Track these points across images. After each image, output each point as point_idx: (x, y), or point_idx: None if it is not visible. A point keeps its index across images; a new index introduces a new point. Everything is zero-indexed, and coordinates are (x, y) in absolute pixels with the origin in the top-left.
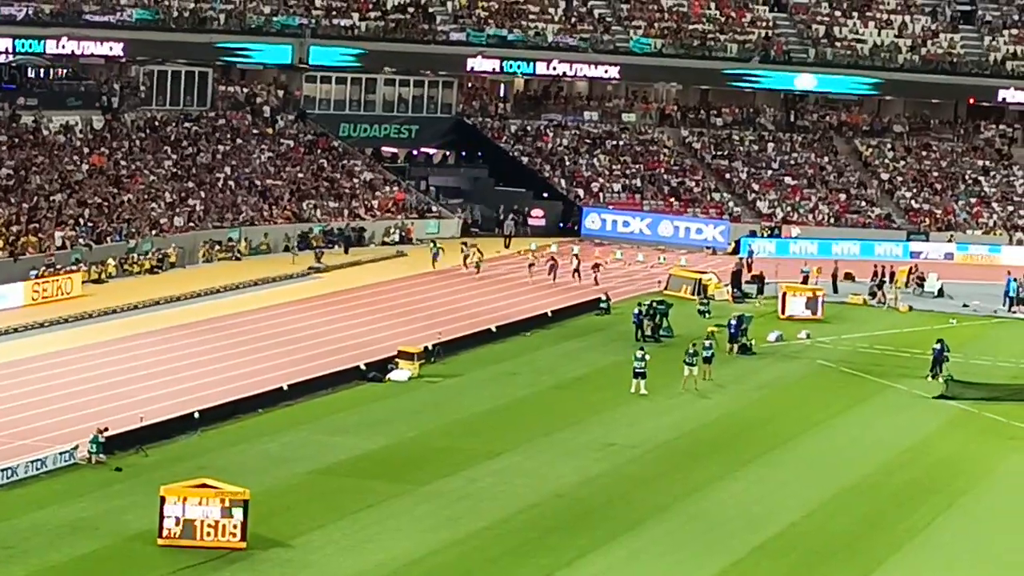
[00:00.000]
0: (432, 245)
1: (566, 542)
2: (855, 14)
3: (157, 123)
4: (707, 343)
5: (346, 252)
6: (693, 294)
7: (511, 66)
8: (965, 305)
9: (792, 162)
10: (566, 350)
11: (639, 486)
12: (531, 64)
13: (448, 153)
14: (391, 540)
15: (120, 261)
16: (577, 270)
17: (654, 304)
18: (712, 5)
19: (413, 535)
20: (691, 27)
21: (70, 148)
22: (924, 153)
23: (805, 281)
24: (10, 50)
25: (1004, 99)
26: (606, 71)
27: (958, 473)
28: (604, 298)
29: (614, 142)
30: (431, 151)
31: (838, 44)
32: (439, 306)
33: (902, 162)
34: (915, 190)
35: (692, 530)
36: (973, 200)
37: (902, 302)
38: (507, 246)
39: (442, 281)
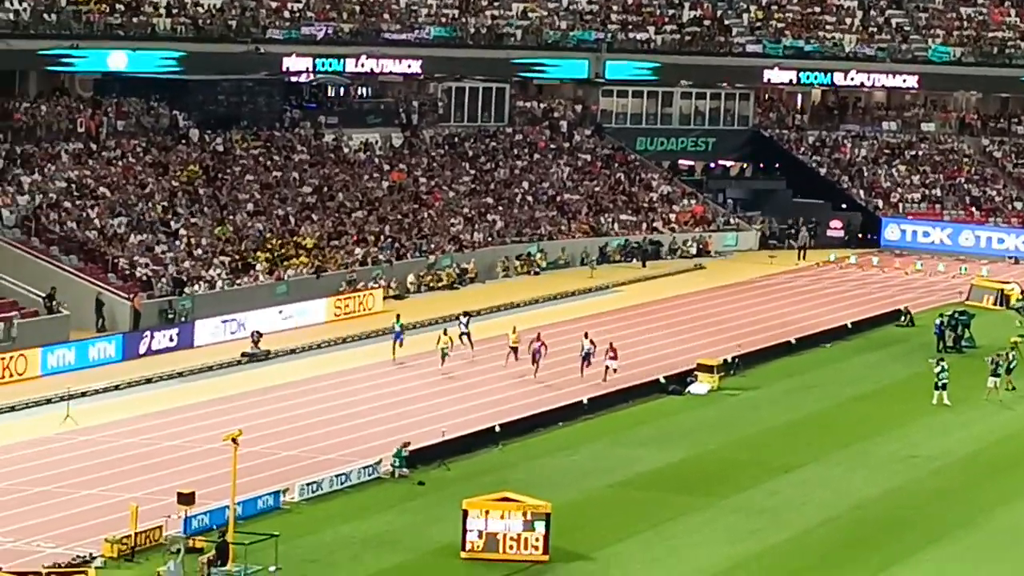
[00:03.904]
0: (395, 321)
1: (867, 555)
2: None
3: (455, 139)
4: (1011, 354)
5: (643, 265)
6: (995, 304)
7: (808, 77)
8: None
9: None
10: (866, 362)
11: (941, 499)
12: (828, 75)
13: (745, 165)
14: (692, 553)
15: (420, 276)
16: (587, 357)
17: (956, 315)
18: (1012, 12)
19: (714, 548)
20: (991, 35)
21: (370, 165)
22: None
23: None
24: (311, 69)
25: None
26: (904, 80)
27: None
28: (905, 310)
29: (913, 152)
30: (728, 163)
31: None
32: (738, 318)
33: None
34: None
35: (997, 544)
36: None
37: None
38: (802, 258)
39: (740, 293)
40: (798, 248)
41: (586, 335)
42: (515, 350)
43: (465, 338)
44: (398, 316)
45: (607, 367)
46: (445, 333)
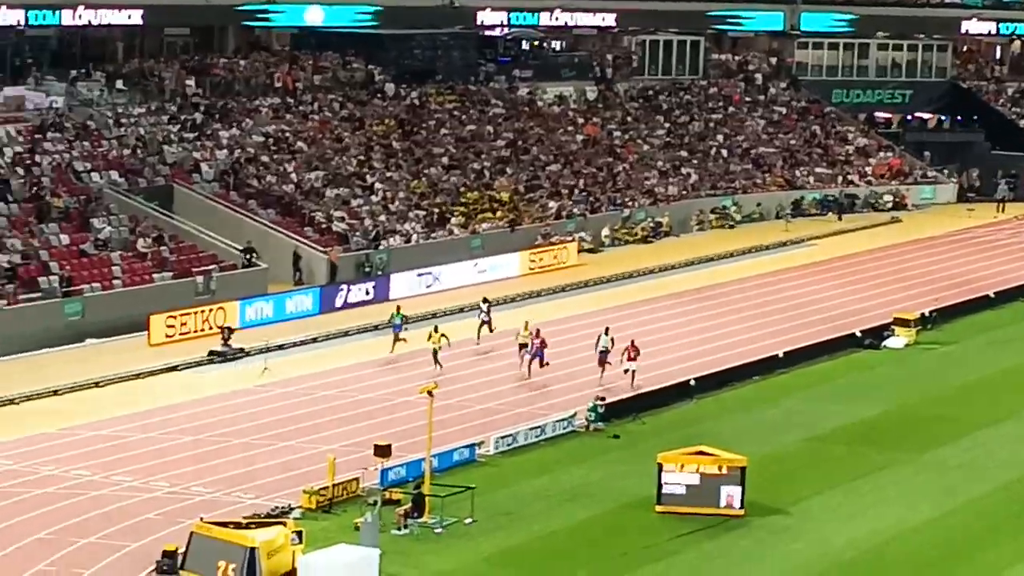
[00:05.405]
0: (395, 313)
1: None
2: None
3: (650, 92)
4: None
5: (839, 219)
6: None
7: (1008, 28)
8: None
9: None
10: None
11: None
12: None
13: (943, 117)
14: (888, 508)
15: (614, 230)
16: (604, 357)
17: None
18: None
19: (910, 504)
20: None
21: (564, 119)
22: None
23: None
24: (505, 23)
25: None
26: None
27: None
28: None
29: None
30: (925, 116)
31: None
32: (935, 272)
33: None
34: None
35: None
36: None
37: None
38: (1001, 211)
39: (937, 247)
40: (997, 201)
41: (607, 331)
42: (523, 348)
43: (485, 327)
44: (398, 308)
45: (626, 370)
46: (436, 330)
